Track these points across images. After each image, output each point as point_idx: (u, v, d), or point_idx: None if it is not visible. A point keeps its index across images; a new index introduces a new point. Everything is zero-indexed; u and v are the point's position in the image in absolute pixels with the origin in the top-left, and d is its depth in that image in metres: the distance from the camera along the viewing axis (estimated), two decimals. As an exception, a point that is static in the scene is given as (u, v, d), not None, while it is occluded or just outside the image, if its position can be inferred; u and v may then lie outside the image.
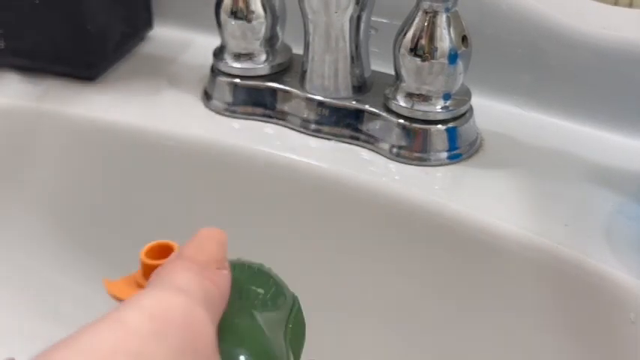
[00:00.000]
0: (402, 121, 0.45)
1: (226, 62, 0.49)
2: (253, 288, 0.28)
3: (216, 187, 0.48)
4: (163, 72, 0.55)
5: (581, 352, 0.39)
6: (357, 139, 0.47)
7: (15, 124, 0.51)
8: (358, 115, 0.47)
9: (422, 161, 0.45)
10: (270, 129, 0.49)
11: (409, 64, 0.44)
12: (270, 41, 0.49)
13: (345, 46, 0.46)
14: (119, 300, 0.26)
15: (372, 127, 0.46)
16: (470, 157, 0.46)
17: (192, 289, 0.23)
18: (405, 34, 0.43)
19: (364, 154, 0.46)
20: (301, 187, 0.46)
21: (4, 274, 0.52)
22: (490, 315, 0.42)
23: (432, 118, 0.45)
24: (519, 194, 0.42)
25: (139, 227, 0.51)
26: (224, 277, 0.25)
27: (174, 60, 0.56)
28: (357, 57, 0.47)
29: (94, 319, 0.22)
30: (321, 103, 0.47)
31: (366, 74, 0.48)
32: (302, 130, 0.48)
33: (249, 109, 0.49)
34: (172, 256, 0.26)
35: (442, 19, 0.43)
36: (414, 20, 0.43)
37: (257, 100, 0.49)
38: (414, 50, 0.43)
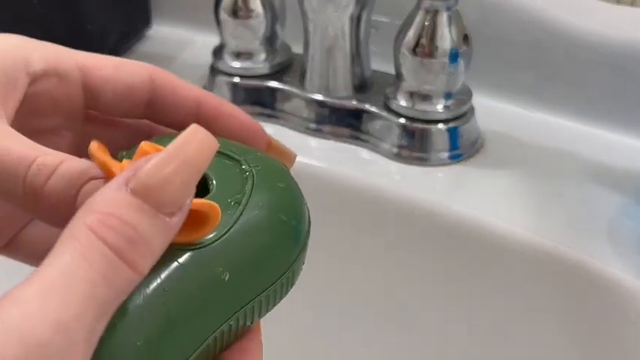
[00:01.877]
0: (402, 120, 0.45)
1: (226, 61, 0.49)
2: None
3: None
4: (162, 71, 0.54)
5: (582, 353, 0.39)
6: (358, 138, 0.47)
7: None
8: (358, 114, 0.47)
9: (423, 161, 0.45)
10: (269, 129, 0.48)
11: (410, 63, 0.43)
12: (270, 40, 0.49)
13: (346, 45, 0.46)
14: (98, 163, 0.21)
15: (372, 126, 0.46)
16: (471, 157, 0.46)
17: (91, 299, 0.18)
18: (405, 33, 0.43)
19: (364, 153, 0.46)
20: (300, 187, 0.45)
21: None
22: (491, 315, 0.42)
23: (432, 117, 0.44)
24: (521, 194, 0.42)
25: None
26: (161, 236, 0.19)
27: (173, 59, 0.56)
28: (357, 56, 0.46)
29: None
30: (321, 103, 0.47)
31: (367, 73, 0.47)
32: (302, 129, 0.48)
33: (249, 108, 0.49)
34: (119, 184, 0.19)
35: (443, 18, 0.42)
36: (414, 19, 0.43)
37: (257, 100, 0.49)
38: (415, 49, 0.43)
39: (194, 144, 0.20)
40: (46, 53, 0.25)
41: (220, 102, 0.26)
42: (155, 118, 0.27)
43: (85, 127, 0.27)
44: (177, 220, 0.19)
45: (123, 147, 0.26)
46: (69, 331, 0.17)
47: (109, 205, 0.19)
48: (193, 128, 0.20)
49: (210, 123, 0.26)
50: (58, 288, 0.18)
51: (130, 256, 0.19)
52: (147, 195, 0.19)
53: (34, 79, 0.25)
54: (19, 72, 0.24)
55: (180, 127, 0.25)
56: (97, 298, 0.18)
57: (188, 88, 0.26)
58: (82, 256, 0.18)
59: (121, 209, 0.19)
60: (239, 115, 0.26)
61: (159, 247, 0.19)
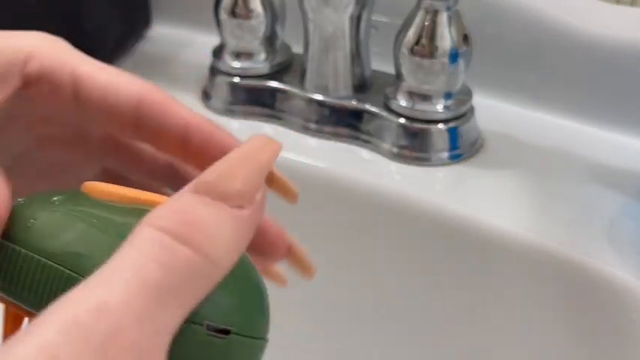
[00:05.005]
0: (402, 120, 0.45)
1: (226, 61, 0.49)
2: None
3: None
4: (162, 71, 0.54)
5: (583, 353, 0.39)
6: (358, 138, 0.47)
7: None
8: (358, 114, 0.46)
9: (423, 161, 0.45)
10: (269, 129, 0.48)
11: (410, 63, 0.43)
12: (270, 40, 0.49)
13: (345, 45, 0.46)
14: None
15: (372, 126, 0.46)
16: (471, 157, 0.45)
17: (141, 284, 0.17)
18: (405, 33, 0.43)
19: (364, 154, 0.46)
20: (301, 187, 0.45)
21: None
22: (492, 316, 0.42)
23: (432, 117, 0.44)
24: (521, 195, 0.42)
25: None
26: (230, 225, 0.18)
27: (172, 59, 0.56)
28: (357, 56, 0.46)
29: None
30: (321, 103, 0.47)
31: (367, 73, 0.47)
32: (302, 129, 0.48)
33: (249, 108, 0.49)
34: (185, 188, 0.19)
35: (443, 18, 0.42)
36: (414, 19, 0.43)
37: (257, 100, 0.49)
38: (415, 49, 0.43)
39: (253, 143, 0.20)
40: (47, 59, 0.24)
41: (211, 132, 0.25)
42: (147, 141, 0.26)
43: (103, 154, 0.26)
44: (250, 213, 0.19)
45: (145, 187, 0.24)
46: (112, 315, 0.16)
47: (168, 203, 0.18)
48: (254, 136, 0.20)
49: (198, 155, 0.25)
50: (103, 277, 0.17)
51: (188, 237, 0.17)
52: (208, 190, 0.18)
53: (28, 82, 0.24)
54: (14, 68, 0.24)
55: (169, 152, 0.25)
56: (149, 282, 0.17)
57: (176, 116, 0.24)
58: (132, 246, 0.17)
59: (179, 204, 0.18)
60: (233, 145, 0.25)
61: (230, 235, 0.18)
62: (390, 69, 0.46)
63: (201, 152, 0.25)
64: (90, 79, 0.24)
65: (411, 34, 0.43)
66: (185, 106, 0.25)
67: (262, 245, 0.26)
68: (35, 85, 0.24)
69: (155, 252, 0.17)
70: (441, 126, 0.45)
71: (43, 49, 0.24)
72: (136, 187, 0.22)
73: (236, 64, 0.49)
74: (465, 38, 0.43)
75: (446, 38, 0.42)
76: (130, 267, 0.17)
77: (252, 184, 0.19)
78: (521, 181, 0.43)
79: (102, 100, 0.24)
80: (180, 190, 0.19)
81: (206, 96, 0.50)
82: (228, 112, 0.49)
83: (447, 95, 0.44)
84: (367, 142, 0.46)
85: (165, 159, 0.27)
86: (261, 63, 0.49)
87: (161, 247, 0.17)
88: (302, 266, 0.28)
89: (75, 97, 0.24)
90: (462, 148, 0.45)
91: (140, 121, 0.25)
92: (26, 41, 0.24)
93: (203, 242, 0.18)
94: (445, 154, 0.45)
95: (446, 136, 0.45)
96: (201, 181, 0.19)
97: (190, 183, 0.19)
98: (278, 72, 0.49)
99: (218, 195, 0.18)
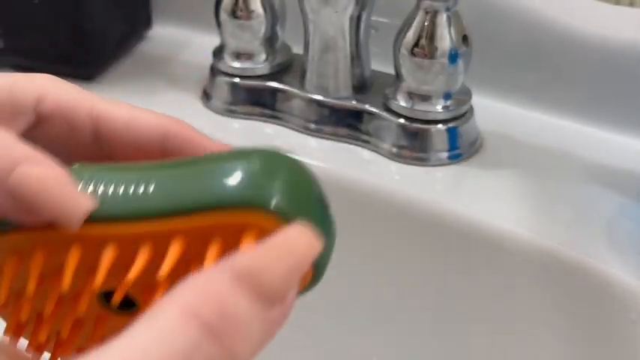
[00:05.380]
0: (402, 120, 0.45)
1: (226, 62, 0.49)
2: None
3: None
4: (162, 71, 0.54)
5: (582, 353, 0.39)
6: (357, 139, 0.47)
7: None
8: (358, 114, 0.46)
9: (422, 161, 0.45)
10: (270, 129, 0.48)
11: (409, 63, 0.43)
12: (270, 41, 0.49)
13: (345, 46, 0.46)
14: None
15: (372, 126, 0.46)
16: (470, 157, 0.45)
17: None
18: (405, 34, 0.43)
19: (364, 154, 0.46)
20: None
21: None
22: (491, 315, 0.42)
23: (432, 117, 0.44)
24: (520, 195, 0.42)
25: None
26: (259, 323, 0.18)
27: (173, 59, 0.56)
28: (357, 56, 0.46)
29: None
30: (321, 103, 0.47)
31: (366, 74, 0.47)
32: (302, 130, 0.48)
33: (249, 108, 0.49)
34: (221, 266, 0.18)
35: (442, 19, 0.42)
36: (414, 20, 0.43)
37: (257, 100, 0.49)
38: (415, 50, 0.43)
39: (298, 235, 0.19)
40: (61, 97, 0.24)
41: None
42: None
43: None
44: (279, 314, 0.18)
45: None
46: None
47: (204, 283, 0.18)
48: (301, 228, 0.20)
49: None
50: (121, 356, 0.16)
51: (221, 333, 0.17)
52: (248, 280, 0.18)
53: (42, 120, 0.24)
54: (26, 106, 0.24)
55: None
56: None
57: (203, 149, 0.24)
58: (157, 329, 0.17)
59: (216, 287, 0.17)
60: None
61: (258, 335, 0.18)
62: (389, 69, 0.46)
63: None
64: (111, 116, 0.24)
65: (410, 35, 0.43)
66: (210, 139, 0.25)
67: None
68: (50, 122, 0.24)
69: (184, 346, 0.17)
70: (440, 126, 0.45)
71: (56, 89, 0.24)
72: None
73: (236, 64, 0.49)
74: (465, 39, 0.43)
75: (445, 39, 0.43)
76: (155, 357, 0.16)
77: (289, 283, 0.18)
78: (521, 181, 0.43)
79: (126, 136, 0.24)
80: (219, 266, 0.18)
81: (206, 96, 0.50)
82: (229, 112, 0.49)
83: (447, 95, 0.44)
84: (367, 142, 0.46)
85: None
86: (261, 63, 0.49)
87: (191, 341, 0.17)
88: None
89: (95, 134, 0.24)
90: (462, 148, 0.45)
91: (165, 156, 0.24)
92: (38, 80, 0.24)
93: (233, 341, 0.17)
94: (444, 154, 0.45)
95: (445, 137, 0.45)
96: (243, 268, 0.18)
97: (230, 261, 0.18)
98: (278, 72, 0.49)
99: (255, 287, 0.18)
